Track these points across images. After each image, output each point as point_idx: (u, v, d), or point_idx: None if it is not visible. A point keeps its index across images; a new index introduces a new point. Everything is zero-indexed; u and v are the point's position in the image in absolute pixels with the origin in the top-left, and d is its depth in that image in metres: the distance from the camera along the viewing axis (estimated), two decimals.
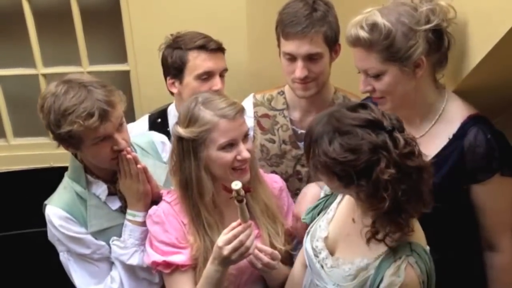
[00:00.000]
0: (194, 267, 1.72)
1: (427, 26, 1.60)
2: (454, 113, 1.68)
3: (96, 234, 1.84)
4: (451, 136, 1.67)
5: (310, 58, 1.91)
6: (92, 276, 1.86)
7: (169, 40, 2.15)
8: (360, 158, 1.35)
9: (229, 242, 1.57)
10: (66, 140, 1.72)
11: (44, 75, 2.69)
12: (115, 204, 1.88)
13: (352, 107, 1.45)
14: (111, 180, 1.87)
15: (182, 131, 1.66)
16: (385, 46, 1.60)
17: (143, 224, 1.81)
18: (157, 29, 2.46)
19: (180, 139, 1.68)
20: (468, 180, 1.67)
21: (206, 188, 1.68)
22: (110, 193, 1.87)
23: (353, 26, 1.63)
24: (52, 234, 1.85)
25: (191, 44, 2.09)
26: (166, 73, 2.17)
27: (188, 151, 1.67)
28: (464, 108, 1.71)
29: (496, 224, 1.73)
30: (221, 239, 1.58)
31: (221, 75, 2.15)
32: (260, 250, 1.65)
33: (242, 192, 1.52)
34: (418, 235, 1.50)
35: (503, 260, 1.75)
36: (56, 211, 1.82)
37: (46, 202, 1.87)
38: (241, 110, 1.69)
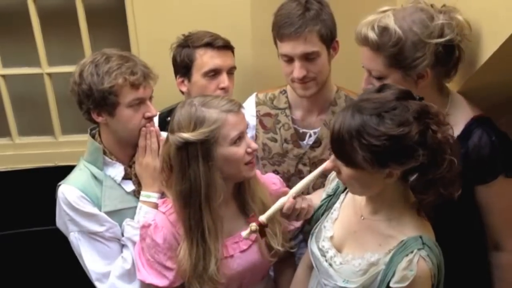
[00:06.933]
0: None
1: (439, 40, 1.58)
2: (458, 116, 1.67)
3: (109, 215, 1.86)
4: (455, 138, 1.66)
5: (307, 58, 1.90)
6: (102, 257, 1.86)
7: (179, 40, 2.20)
8: (413, 127, 1.34)
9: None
10: (103, 101, 1.77)
11: (49, 74, 2.70)
12: (129, 187, 1.92)
13: (376, 90, 1.44)
14: (128, 163, 1.91)
15: (189, 135, 1.59)
16: (392, 53, 1.59)
17: (157, 206, 1.82)
18: (162, 29, 2.49)
19: (183, 146, 1.61)
20: (472, 181, 1.66)
21: (218, 191, 1.63)
22: (125, 177, 1.91)
23: (364, 26, 1.62)
24: (64, 214, 1.85)
25: (199, 42, 2.14)
26: (176, 72, 2.22)
27: (195, 156, 1.61)
28: (468, 110, 1.70)
29: (502, 223, 1.72)
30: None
31: (230, 73, 2.18)
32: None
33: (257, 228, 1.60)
34: (428, 230, 1.49)
35: (509, 259, 1.74)
36: (71, 189, 1.84)
37: (60, 183, 1.89)
38: (241, 104, 1.70)
